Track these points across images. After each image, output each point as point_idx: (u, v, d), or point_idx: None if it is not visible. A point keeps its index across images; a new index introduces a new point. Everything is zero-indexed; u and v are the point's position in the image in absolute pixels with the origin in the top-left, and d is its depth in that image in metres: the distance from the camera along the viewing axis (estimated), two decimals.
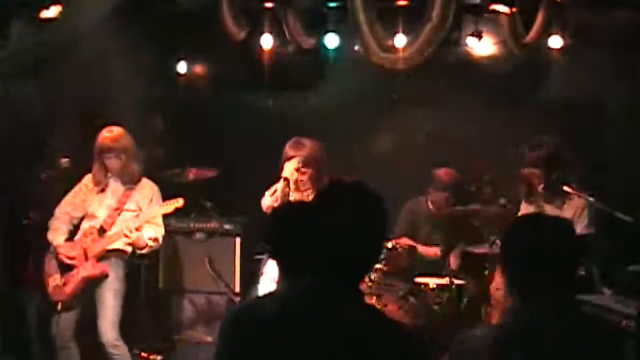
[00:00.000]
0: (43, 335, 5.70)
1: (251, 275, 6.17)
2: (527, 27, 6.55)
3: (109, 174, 5.39)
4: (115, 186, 5.41)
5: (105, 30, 6.17)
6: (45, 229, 5.47)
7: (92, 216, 5.38)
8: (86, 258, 5.25)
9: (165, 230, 6.46)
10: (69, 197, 5.46)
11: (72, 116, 6.40)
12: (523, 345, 2.27)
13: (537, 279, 2.35)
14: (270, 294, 3.09)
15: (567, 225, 2.50)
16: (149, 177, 5.54)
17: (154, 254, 6.41)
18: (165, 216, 6.32)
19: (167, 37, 7.07)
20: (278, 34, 6.96)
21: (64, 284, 5.23)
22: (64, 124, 6.32)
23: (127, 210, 5.36)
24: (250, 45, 7.01)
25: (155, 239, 5.41)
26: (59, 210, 5.44)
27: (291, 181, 4.94)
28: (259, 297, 3.28)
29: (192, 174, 6.64)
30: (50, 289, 5.26)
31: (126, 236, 5.21)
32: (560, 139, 4.98)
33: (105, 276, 5.24)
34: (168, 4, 6.67)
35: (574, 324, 2.34)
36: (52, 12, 6.03)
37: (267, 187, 5.15)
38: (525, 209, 5.12)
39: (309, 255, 2.74)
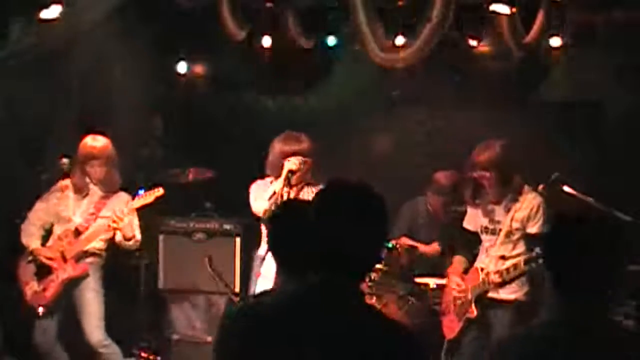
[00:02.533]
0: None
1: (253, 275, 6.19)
2: (527, 27, 6.55)
3: (91, 181, 5.37)
4: (92, 192, 5.39)
5: (105, 30, 6.18)
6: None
7: (67, 220, 5.35)
8: (64, 260, 5.24)
9: (166, 230, 6.49)
10: (42, 202, 5.42)
11: (71, 116, 6.40)
12: (564, 346, 2.22)
13: (579, 279, 2.28)
14: (270, 294, 3.10)
15: (614, 225, 2.42)
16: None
17: (155, 254, 6.42)
18: (165, 216, 6.34)
19: (167, 37, 7.07)
20: (278, 34, 6.96)
21: (44, 289, 5.24)
22: (63, 124, 6.32)
23: (102, 217, 5.33)
24: (250, 45, 7.01)
25: (137, 238, 5.37)
26: (33, 215, 5.40)
27: (292, 179, 4.83)
28: (258, 297, 3.28)
29: (192, 174, 6.64)
30: (28, 296, 5.26)
31: (115, 222, 5.16)
32: (508, 141, 4.93)
33: (85, 276, 5.25)
34: (168, 4, 6.67)
35: (608, 331, 2.28)
36: (52, 12, 6.02)
37: (248, 187, 5.07)
38: (472, 214, 5.10)
39: (309, 255, 2.75)
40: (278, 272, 3.19)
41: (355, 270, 2.23)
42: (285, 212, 3.03)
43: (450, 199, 6.22)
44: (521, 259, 4.68)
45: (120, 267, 6.06)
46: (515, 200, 4.86)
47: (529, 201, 4.85)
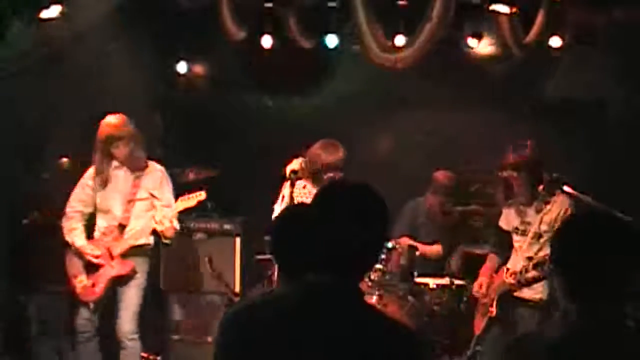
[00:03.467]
0: (45, 333, 5.71)
1: (253, 275, 6.20)
2: (527, 27, 6.55)
3: (114, 164, 5.31)
4: (123, 177, 5.33)
5: (105, 30, 6.18)
6: (44, 228, 5.47)
7: (107, 211, 5.32)
8: (111, 257, 5.24)
9: None
10: (77, 195, 5.36)
11: (71, 116, 6.40)
12: (576, 351, 2.20)
13: (592, 281, 2.25)
14: (269, 294, 3.10)
15: (627, 225, 2.32)
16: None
17: (155, 254, 6.42)
18: None
19: (167, 37, 7.07)
20: (278, 34, 6.96)
21: (93, 285, 5.22)
22: (63, 124, 6.31)
23: (139, 199, 5.30)
24: (250, 45, 7.01)
25: (173, 231, 5.34)
26: (70, 209, 5.34)
27: (293, 179, 4.89)
28: (258, 298, 3.28)
29: (192, 174, 6.63)
30: (78, 289, 5.23)
31: (160, 223, 5.15)
32: (535, 141, 4.95)
33: (135, 272, 5.24)
34: (168, 4, 6.67)
35: (622, 336, 2.25)
36: (52, 12, 6.03)
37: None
38: (506, 213, 5.10)
39: (309, 255, 2.74)
40: (278, 274, 3.20)
41: (356, 270, 2.23)
42: (286, 216, 3.04)
43: (448, 198, 6.23)
44: (533, 261, 4.72)
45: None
46: (546, 202, 4.87)
47: (559, 204, 4.86)
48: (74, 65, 6.27)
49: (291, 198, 4.86)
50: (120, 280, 5.26)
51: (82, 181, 5.38)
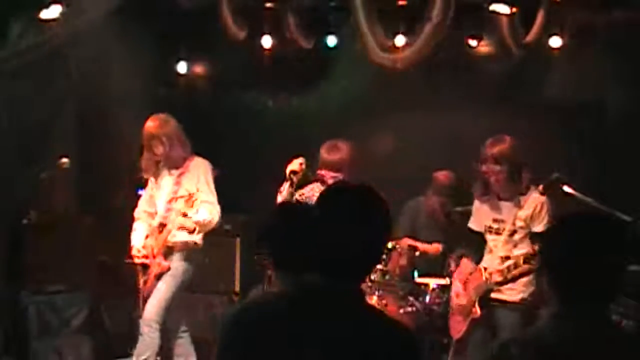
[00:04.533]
0: (45, 333, 5.71)
1: (253, 275, 6.18)
2: (527, 27, 6.55)
3: (160, 162, 5.40)
4: (166, 177, 5.40)
5: (105, 31, 6.18)
6: (44, 228, 5.47)
7: (156, 211, 5.42)
8: (153, 257, 5.30)
9: None
10: (144, 196, 5.54)
11: (71, 116, 6.40)
12: (564, 354, 2.20)
13: (579, 283, 2.23)
14: (270, 294, 3.09)
15: (618, 225, 2.35)
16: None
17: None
18: None
19: (167, 37, 7.07)
20: (278, 34, 6.96)
21: (145, 282, 5.33)
22: (63, 123, 6.32)
23: (180, 197, 5.28)
24: (250, 45, 7.01)
25: (205, 221, 5.30)
26: (137, 211, 5.50)
27: (294, 179, 4.90)
28: (258, 298, 3.28)
29: None
30: (141, 285, 5.35)
31: (182, 222, 5.19)
32: (516, 137, 4.92)
33: (167, 270, 5.28)
34: (168, 4, 6.67)
35: (610, 338, 2.24)
36: (52, 12, 6.02)
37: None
38: (478, 207, 5.08)
39: (304, 257, 2.74)
40: (275, 274, 3.20)
41: (357, 271, 2.23)
42: (280, 215, 3.03)
43: (449, 199, 6.23)
44: (521, 256, 4.66)
45: (120, 267, 6.06)
46: (521, 198, 4.86)
47: (533, 200, 4.84)
48: (74, 65, 6.28)
49: (291, 198, 4.87)
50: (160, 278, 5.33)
51: (149, 183, 5.51)
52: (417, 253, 6.13)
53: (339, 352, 2.10)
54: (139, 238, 5.39)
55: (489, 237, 4.97)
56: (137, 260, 5.33)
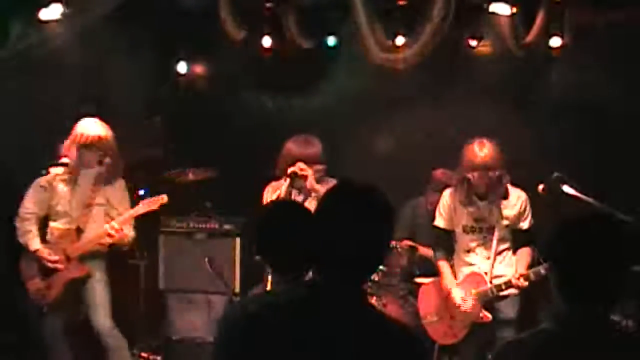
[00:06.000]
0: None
1: (253, 275, 6.18)
2: (527, 27, 6.55)
3: (83, 168, 5.30)
4: (84, 181, 5.33)
5: (105, 30, 6.18)
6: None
7: (64, 214, 5.32)
8: (67, 260, 5.25)
9: (166, 230, 6.48)
10: (32, 197, 5.36)
11: (71, 116, 6.39)
12: (566, 354, 2.20)
13: (582, 283, 2.24)
14: (270, 294, 3.09)
15: (621, 226, 2.34)
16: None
17: (155, 254, 6.42)
18: (165, 216, 6.33)
19: (167, 37, 7.07)
20: (278, 34, 6.96)
21: (47, 287, 5.24)
22: (63, 123, 6.31)
23: (97, 204, 5.30)
24: (250, 45, 7.01)
25: (132, 239, 5.39)
26: (24, 211, 5.35)
27: (295, 182, 4.85)
28: (258, 298, 3.28)
29: (192, 174, 6.63)
30: (32, 292, 5.26)
31: (110, 235, 5.17)
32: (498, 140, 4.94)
33: (88, 276, 5.26)
34: (168, 4, 6.67)
35: (612, 338, 2.25)
36: (52, 12, 6.02)
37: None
38: (453, 207, 5.07)
39: (295, 256, 2.74)
40: (272, 273, 3.20)
41: (360, 271, 2.22)
42: (271, 214, 3.03)
43: None
44: (520, 277, 4.73)
45: (119, 267, 6.05)
46: (505, 197, 4.89)
47: (516, 198, 4.90)
48: (74, 65, 6.27)
49: (289, 197, 4.84)
50: (79, 283, 5.28)
51: (38, 182, 5.37)
52: (417, 253, 6.12)
53: (340, 352, 2.10)
54: (36, 241, 5.30)
55: (469, 236, 4.99)
56: (50, 264, 5.22)
